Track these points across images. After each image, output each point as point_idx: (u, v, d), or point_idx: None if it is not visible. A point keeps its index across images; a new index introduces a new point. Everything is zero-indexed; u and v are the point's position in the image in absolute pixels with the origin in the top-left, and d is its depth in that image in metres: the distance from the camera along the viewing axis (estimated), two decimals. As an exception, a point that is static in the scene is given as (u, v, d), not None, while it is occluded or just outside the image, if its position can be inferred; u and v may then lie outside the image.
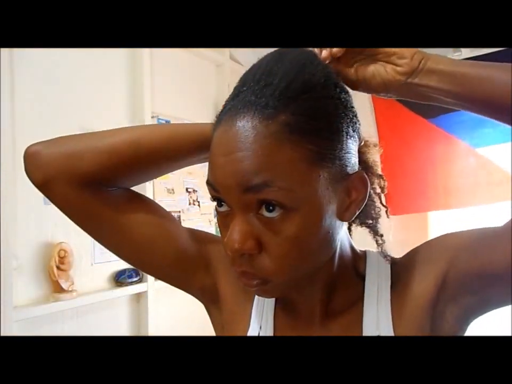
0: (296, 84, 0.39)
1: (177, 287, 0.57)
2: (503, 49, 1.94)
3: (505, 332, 1.90)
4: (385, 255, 0.50)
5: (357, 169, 0.44)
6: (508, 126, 0.42)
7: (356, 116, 0.45)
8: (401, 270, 0.49)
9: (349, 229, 0.53)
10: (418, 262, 0.47)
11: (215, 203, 0.43)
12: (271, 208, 0.38)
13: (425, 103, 0.46)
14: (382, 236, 0.52)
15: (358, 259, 0.51)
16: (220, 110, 0.43)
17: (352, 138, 0.43)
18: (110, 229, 0.51)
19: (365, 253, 0.52)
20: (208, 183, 0.42)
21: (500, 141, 2.01)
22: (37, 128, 1.46)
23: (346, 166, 0.42)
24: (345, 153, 0.42)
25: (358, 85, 0.47)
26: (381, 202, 0.52)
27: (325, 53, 0.44)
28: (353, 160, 0.43)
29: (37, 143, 0.49)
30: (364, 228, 0.52)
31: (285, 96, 0.38)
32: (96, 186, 0.49)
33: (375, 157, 0.51)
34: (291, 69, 0.40)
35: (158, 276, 0.57)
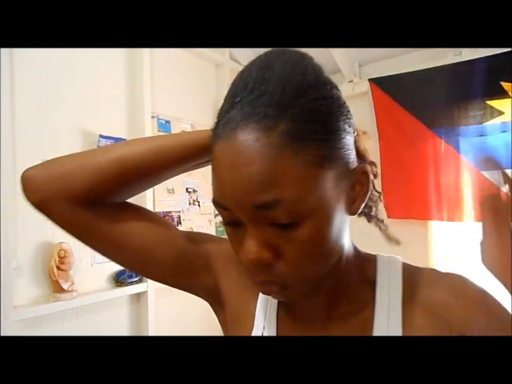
0: (290, 89, 0.39)
1: (181, 290, 0.58)
2: (504, 51, 1.95)
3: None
4: (390, 238, 0.51)
5: (356, 164, 0.44)
6: None
7: (348, 110, 0.45)
8: (414, 287, 0.47)
9: None
10: (431, 302, 0.46)
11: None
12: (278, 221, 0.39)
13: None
14: (382, 221, 0.52)
15: (366, 263, 0.50)
16: (216, 123, 0.42)
17: (349, 134, 0.43)
18: (109, 243, 0.53)
19: (375, 256, 0.51)
20: (216, 203, 0.42)
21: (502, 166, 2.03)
22: (37, 128, 1.46)
23: (348, 162, 0.42)
24: (345, 151, 0.42)
25: None
26: (374, 188, 0.51)
27: None
28: (352, 155, 0.44)
29: (31, 167, 0.51)
30: (363, 217, 0.53)
31: (282, 103, 0.38)
32: (89, 203, 0.51)
33: (364, 144, 0.50)
34: (283, 74, 0.39)
35: (162, 282, 0.57)
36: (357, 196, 0.44)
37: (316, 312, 0.49)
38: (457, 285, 0.47)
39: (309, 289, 0.45)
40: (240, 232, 0.41)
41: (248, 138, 0.38)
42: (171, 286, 0.57)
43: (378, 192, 0.53)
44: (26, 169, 0.51)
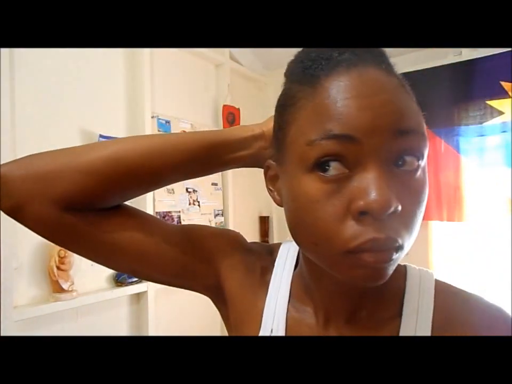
0: (386, 56, 0.41)
1: (185, 289, 0.56)
2: (505, 51, 1.95)
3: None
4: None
5: None
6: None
7: None
8: (444, 300, 0.44)
9: None
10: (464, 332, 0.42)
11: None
12: (407, 159, 0.36)
13: None
14: None
15: (396, 270, 0.45)
16: (304, 70, 0.40)
17: None
18: (100, 250, 0.48)
19: (404, 267, 0.48)
20: (329, 136, 0.35)
21: (499, 164, 2.03)
22: (37, 129, 1.46)
23: None
24: None
25: None
26: None
27: None
28: None
29: (6, 163, 0.44)
30: None
31: (388, 60, 0.40)
32: (74, 208, 0.45)
33: None
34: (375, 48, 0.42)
35: (159, 283, 0.55)
36: None
37: (333, 315, 0.46)
38: (498, 323, 0.42)
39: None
40: (345, 181, 0.36)
41: (376, 73, 0.37)
42: (170, 286, 0.55)
43: None
44: (2, 167, 0.43)
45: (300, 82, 0.40)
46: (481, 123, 2.11)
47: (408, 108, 0.37)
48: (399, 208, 0.34)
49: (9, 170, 0.43)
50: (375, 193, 0.33)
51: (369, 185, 0.34)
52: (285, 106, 0.41)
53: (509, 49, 1.92)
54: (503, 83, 2.02)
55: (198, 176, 0.52)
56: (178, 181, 0.51)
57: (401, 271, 0.47)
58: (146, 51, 1.87)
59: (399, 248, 0.36)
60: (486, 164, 2.10)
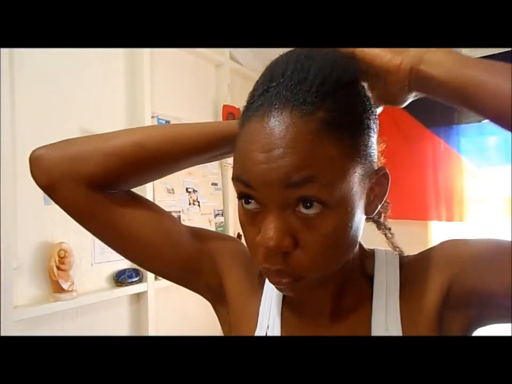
0: (330, 80, 0.39)
1: (183, 286, 0.57)
2: (505, 51, 1.94)
3: (505, 332, 1.90)
4: (394, 247, 0.51)
5: (377, 165, 0.45)
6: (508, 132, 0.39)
7: (376, 111, 0.46)
8: (410, 272, 0.49)
9: None
10: (426, 268, 0.47)
11: (234, 199, 0.44)
12: (308, 204, 0.38)
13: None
14: (390, 229, 0.53)
15: (366, 258, 0.51)
16: (247, 105, 0.42)
17: (375, 134, 0.44)
18: (115, 231, 0.51)
19: (373, 251, 0.52)
20: (238, 179, 0.41)
21: (498, 163, 2.03)
22: (37, 129, 1.46)
23: (373, 161, 0.43)
24: (372, 150, 0.43)
25: None
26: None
27: None
28: (376, 156, 0.45)
29: (42, 147, 0.49)
30: (370, 222, 0.53)
31: (321, 92, 0.38)
32: (100, 188, 0.49)
33: (379, 147, 0.51)
34: (323, 65, 0.40)
35: (164, 277, 0.57)
36: (375, 196, 0.44)
37: (321, 309, 0.49)
38: (431, 249, 0.48)
39: (318, 286, 0.45)
40: (259, 215, 0.41)
41: (284, 120, 0.38)
42: (173, 281, 0.57)
43: (387, 202, 0.53)
44: (36, 149, 0.49)
45: (242, 113, 0.43)
46: (480, 121, 2.11)
47: (306, 158, 0.37)
48: (290, 248, 0.39)
49: (46, 152, 0.49)
50: (265, 234, 0.39)
51: (265, 226, 0.39)
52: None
53: (509, 49, 1.91)
54: None
55: (211, 161, 0.57)
56: (194, 165, 0.56)
57: (370, 255, 0.51)
58: (146, 51, 1.87)
59: (300, 278, 0.41)
60: (486, 163, 2.09)
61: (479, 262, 0.43)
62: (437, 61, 0.40)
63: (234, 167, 0.42)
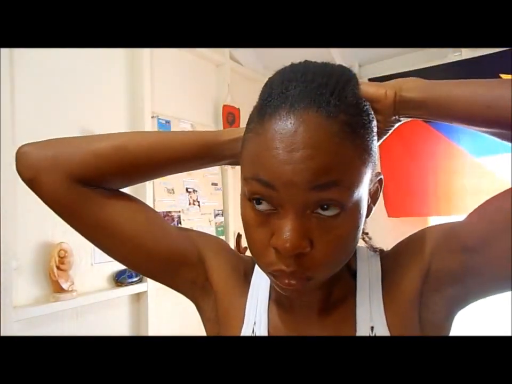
0: (348, 86, 0.41)
1: (166, 283, 0.57)
2: (504, 50, 1.95)
3: (505, 332, 1.90)
4: (374, 249, 0.53)
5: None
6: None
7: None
8: (390, 264, 0.51)
9: None
10: (404, 256, 0.49)
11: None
12: (326, 206, 0.39)
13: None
14: (367, 233, 0.54)
15: None
16: (262, 104, 0.41)
17: (376, 140, 0.45)
18: (98, 227, 0.52)
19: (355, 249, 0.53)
20: (255, 178, 0.40)
21: (499, 151, 2.03)
22: (37, 128, 1.46)
23: (376, 165, 0.44)
24: (375, 154, 0.44)
25: None
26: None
27: None
28: (377, 160, 0.46)
29: (28, 143, 0.52)
30: None
31: (343, 96, 0.40)
32: (82, 184, 0.51)
33: None
34: (342, 73, 0.43)
35: (150, 276, 0.57)
36: (371, 200, 0.46)
37: (309, 307, 0.50)
38: (408, 237, 0.51)
39: (323, 285, 0.45)
40: (271, 216, 0.41)
41: (311, 121, 0.38)
42: (157, 279, 0.57)
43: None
44: (22, 145, 0.51)
45: (257, 111, 0.42)
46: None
47: (332, 161, 0.37)
48: (307, 249, 0.39)
49: (31, 148, 0.51)
50: (283, 236, 0.38)
51: (282, 227, 0.39)
52: (247, 126, 0.44)
53: (509, 48, 1.92)
54: (502, 75, 2.02)
55: (195, 169, 0.57)
56: (174, 173, 0.57)
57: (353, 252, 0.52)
58: (146, 51, 1.86)
59: (310, 278, 0.41)
60: (485, 153, 2.08)
61: (452, 235, 0.45)
62: (414, 86, 0.45)
63: (247, 167, 0.41)
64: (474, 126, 0.44)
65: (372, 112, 0.45)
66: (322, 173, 0.37)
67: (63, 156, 0.50)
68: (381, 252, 0.53)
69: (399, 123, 0.49)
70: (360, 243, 0.53)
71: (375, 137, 0.44)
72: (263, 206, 0.41)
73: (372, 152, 0.42)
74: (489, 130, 0.43)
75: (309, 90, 0.39)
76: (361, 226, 0.42)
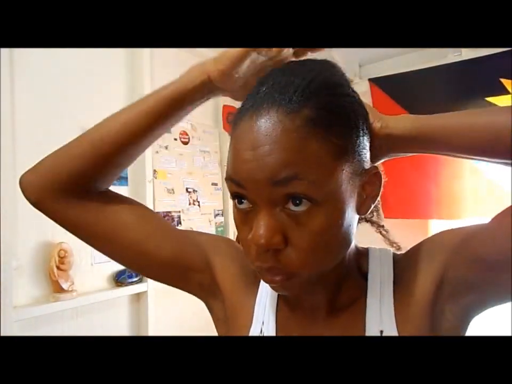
0: (317, 81, 0.41)
1: (173, 286, 0.57)
2: (504, 50, 1.94)
3: (505, 332, 1.90)
4: (391, 243, 0.53)
5: (369, 165, 0.46)
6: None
7: (367, 114, 0.46)
8: (403, 268, 0.49)
9: None
10: (418, 261, 0.48)
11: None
12: (297, 202, 0.39)
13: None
14: (383, 226, 0.54)
15: (361, 256, 0.52)
16: (238, 110, 0.43)
17: (366, 135, 0.45)
18: (98, 237, 0.54)
19: (367, 250, 0.53)
20: (229, 178, 0.42)
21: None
22: (37, 128, 1.46)
23: (363, 161, 0.44)
24: (362, 149, 0.43)
25: None
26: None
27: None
28: (368, 156, 0.45)
29: (26, 172, 0.54)
30: (363, 222, 0.54)
31: (307, 92, 0.40)
32: (77, 193, 0.52)
33: None
34: (311, 70, 0.42)
35: (154, 276, 0.57)
36: (367, 196, 0.45)
37: (317, 307, 0.50)
38: (422, 242, 0.50)
39: (313, 284, 0.45)
40: (250, 214, 0.42)
41: (270, 119, 0.39)
42: (164, 281, 0.57)
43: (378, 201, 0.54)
44: (22, 175, 0.54)
45: (234, 116, 0.44)
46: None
47: (291, 156, 0.38)
48: (281, 245, 0.40)
49: (26, 176, 0.54)
50: (257, 232, 0.39)
51: (256, 224, 0.40)
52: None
53: (509, 48, 1.92)
54: (503, 80, 2.02)
55: (170, 127, 0.56)
56: (162, 132, 0.56)
57: (364, 254, 0.52)
58: (146, 51, 1.87)
59: (292, 275, 0.41)
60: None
61: (470, 243, 0.44)
62: (397, 122, 0.47)
63: (227, 168, 0.43)
64: (459, 154, 0.46)
65: (361, 107, 0.44)
66: (281, 167, 0.38)
67: (51, 170, 0.52)
68: (394, 255, 0.52)
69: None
70: (377, 239, 0.53)
71: (358, 131, 0.43)
72: (243, 205, 0.42)
73: (349, 146, 0.41)
74: (492, 160, 0.45)
75: (273, 91, 0.40)
76: (345, 222, 0.41)
